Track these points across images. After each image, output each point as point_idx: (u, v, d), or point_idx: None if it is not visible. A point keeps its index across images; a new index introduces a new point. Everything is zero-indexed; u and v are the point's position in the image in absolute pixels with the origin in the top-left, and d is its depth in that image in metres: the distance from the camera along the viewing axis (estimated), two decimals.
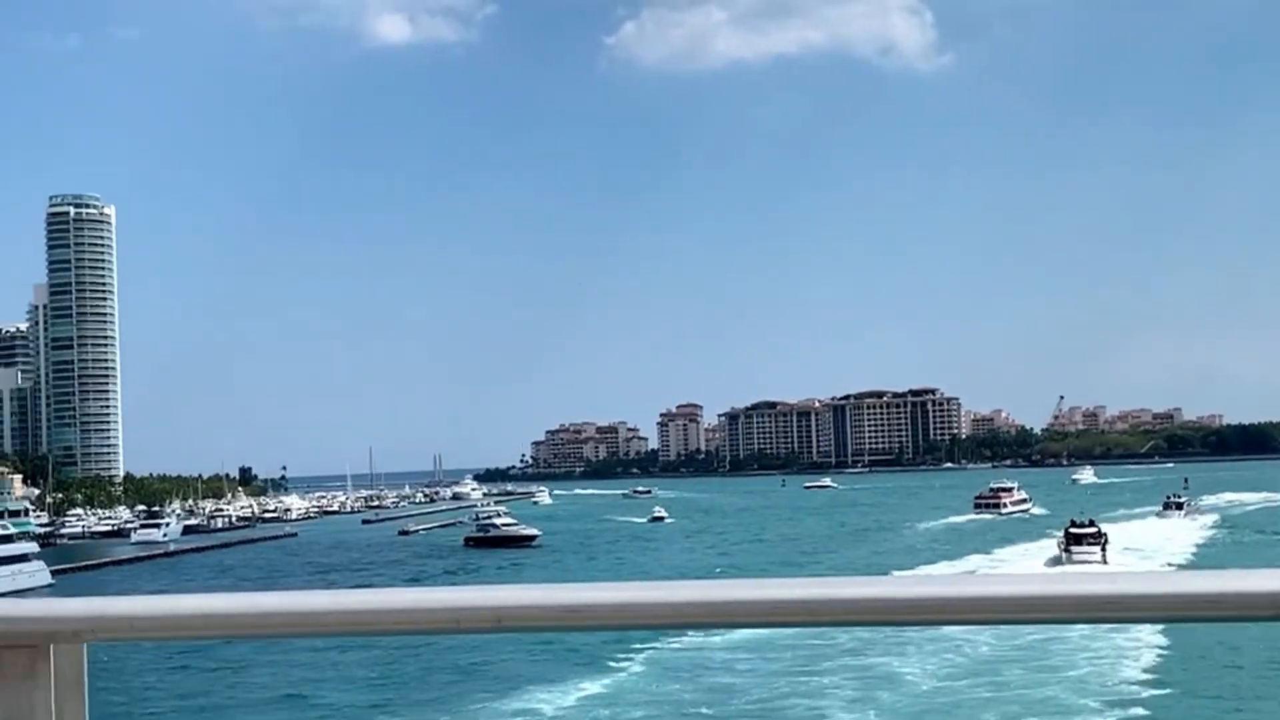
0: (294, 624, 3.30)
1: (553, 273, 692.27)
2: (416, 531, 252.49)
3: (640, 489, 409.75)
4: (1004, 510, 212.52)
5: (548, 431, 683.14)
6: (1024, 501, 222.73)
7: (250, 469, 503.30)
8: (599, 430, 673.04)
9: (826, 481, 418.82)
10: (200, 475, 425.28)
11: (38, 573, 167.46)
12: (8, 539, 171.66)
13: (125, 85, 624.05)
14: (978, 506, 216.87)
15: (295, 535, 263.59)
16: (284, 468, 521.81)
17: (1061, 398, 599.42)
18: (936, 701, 63.95)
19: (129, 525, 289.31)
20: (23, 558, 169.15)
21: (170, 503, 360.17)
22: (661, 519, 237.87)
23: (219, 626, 3.37)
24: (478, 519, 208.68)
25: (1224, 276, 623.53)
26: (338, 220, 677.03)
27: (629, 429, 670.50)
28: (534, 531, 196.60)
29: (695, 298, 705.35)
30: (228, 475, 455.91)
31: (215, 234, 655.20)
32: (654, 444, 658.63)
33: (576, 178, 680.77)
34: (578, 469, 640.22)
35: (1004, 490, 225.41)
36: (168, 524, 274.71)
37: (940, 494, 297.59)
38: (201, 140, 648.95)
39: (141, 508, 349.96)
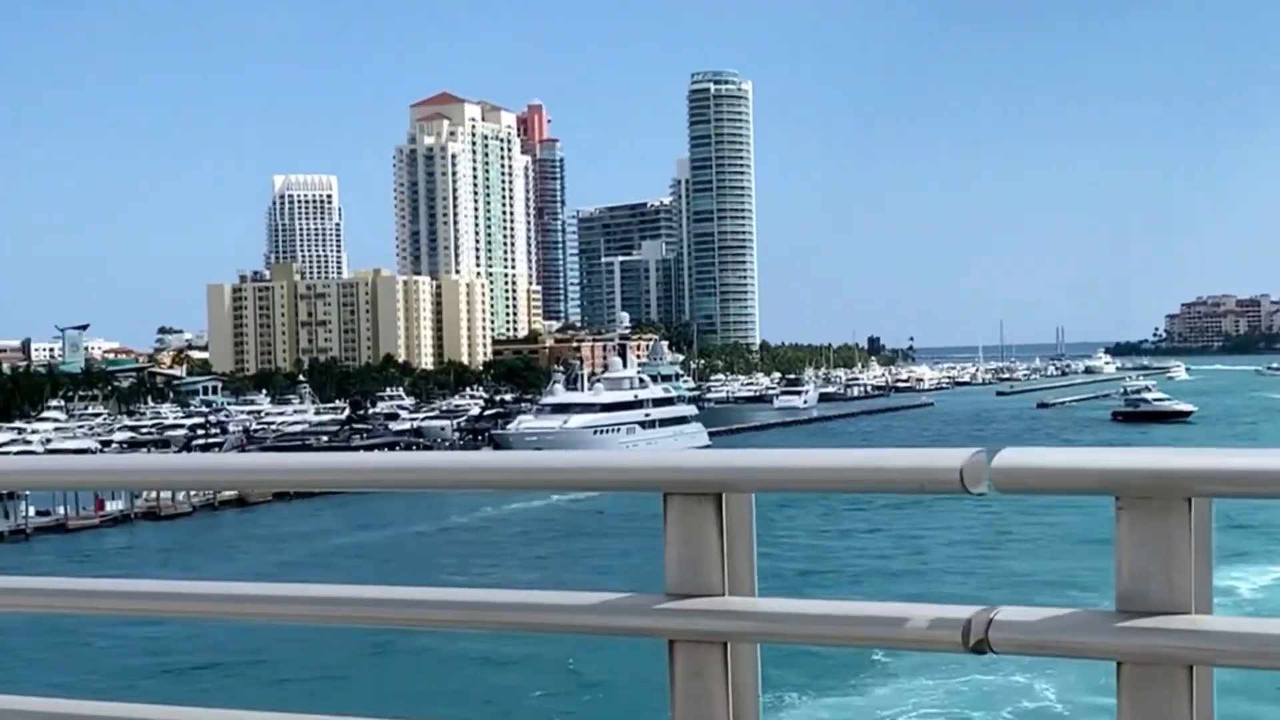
0: None
1: (1190, 138, 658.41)
2: (1055, 404, 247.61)
3: (1275, 366, 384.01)
4: None
5: (1183, 305, 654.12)
6: None
7: (878, 339, 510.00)
8: (1239, 304, 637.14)
9: None
10: (829, 345, 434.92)
11: (697, 435, 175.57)
12: (669, 402, 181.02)
13: None
14: None
15: (931, 405, 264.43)
16: (911, 339, 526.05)
17: None
18: None
19: (770, 391, 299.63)
20: (683, 420, 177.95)
21: (804, 371, 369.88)
22: None
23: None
24: (1126, 393, 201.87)
25: None
26: (966, 91, 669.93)
27: (1273, 302, 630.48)
28: (1188, 407, 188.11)
29: None
30: (857, 345, 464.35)
31: (843, 106, 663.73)
32: None
33: (1220, 35, 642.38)
34: (1215, 344, 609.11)
35: None
36: (806, 391, 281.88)
37: None
38: (829, 14, 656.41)
39: (777, 375, 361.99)
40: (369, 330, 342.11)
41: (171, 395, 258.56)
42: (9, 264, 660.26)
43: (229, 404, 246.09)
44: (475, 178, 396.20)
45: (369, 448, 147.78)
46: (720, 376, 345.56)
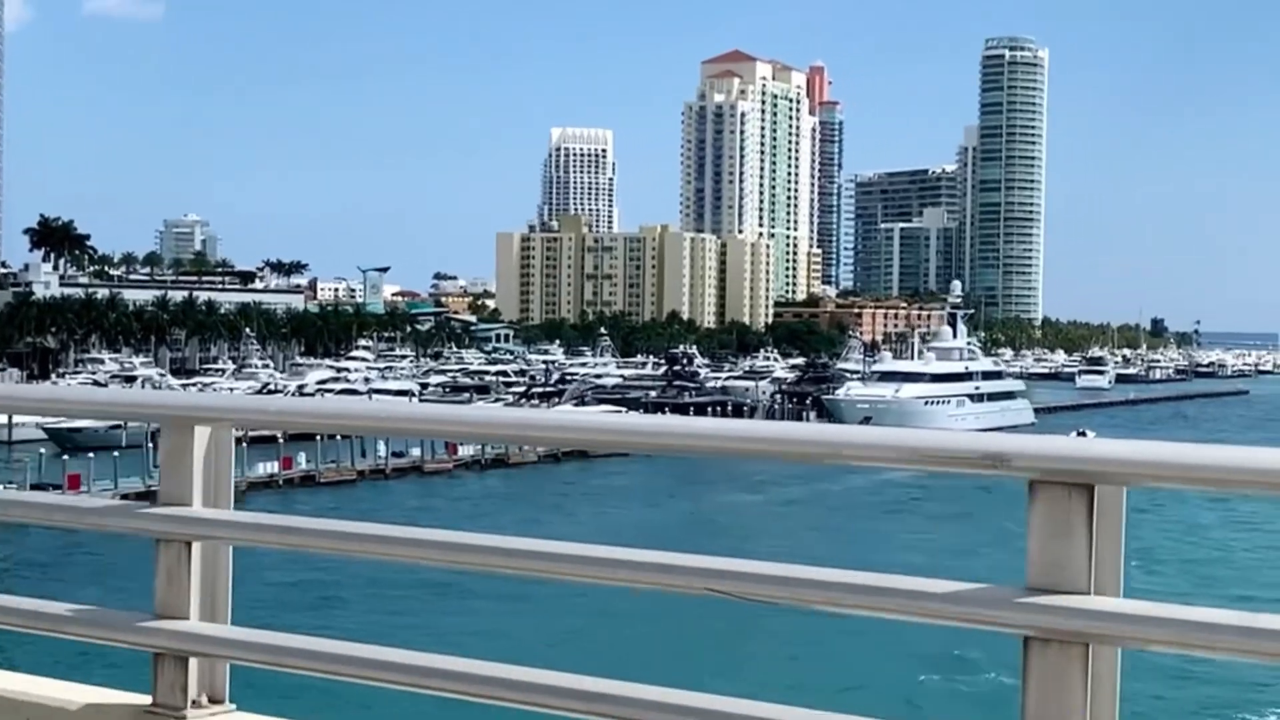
0: None
1: None
2: None
3: None
4: None
5: None
6: None
7: (1162, 320, 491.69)
8: None
9: None
10: (1108, 324, 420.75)
11: (1023, 412, 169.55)
12: (998, 375, 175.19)
13: None
14: None
15: (1247, 393, 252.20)
16: (1198, 321, 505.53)
17: None
18: None
19: (1066, 369, 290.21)
20: (1010, 395, 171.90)
21: (1088, 349, 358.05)
22: None
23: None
24: None
25: None
26: (1269, 57, 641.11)
27: None
28: None
29: None
30: (1139, 326, 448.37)
31: (1138, 73, 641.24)
32: None
33: None
34: None
35: None
36: (1107, 371, 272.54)
37: None
38: None
39: (1061, 352, 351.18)
40: (653, 286, 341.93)
41: (467, 340, 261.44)
42: (295, 203, 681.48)
43: (523, 352, 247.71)
44: (763, 137, 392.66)
45: (699, 406, 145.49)
46: (1005, 351, 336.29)
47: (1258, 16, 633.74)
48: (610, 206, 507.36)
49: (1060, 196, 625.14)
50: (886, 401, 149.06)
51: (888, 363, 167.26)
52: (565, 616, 54.13)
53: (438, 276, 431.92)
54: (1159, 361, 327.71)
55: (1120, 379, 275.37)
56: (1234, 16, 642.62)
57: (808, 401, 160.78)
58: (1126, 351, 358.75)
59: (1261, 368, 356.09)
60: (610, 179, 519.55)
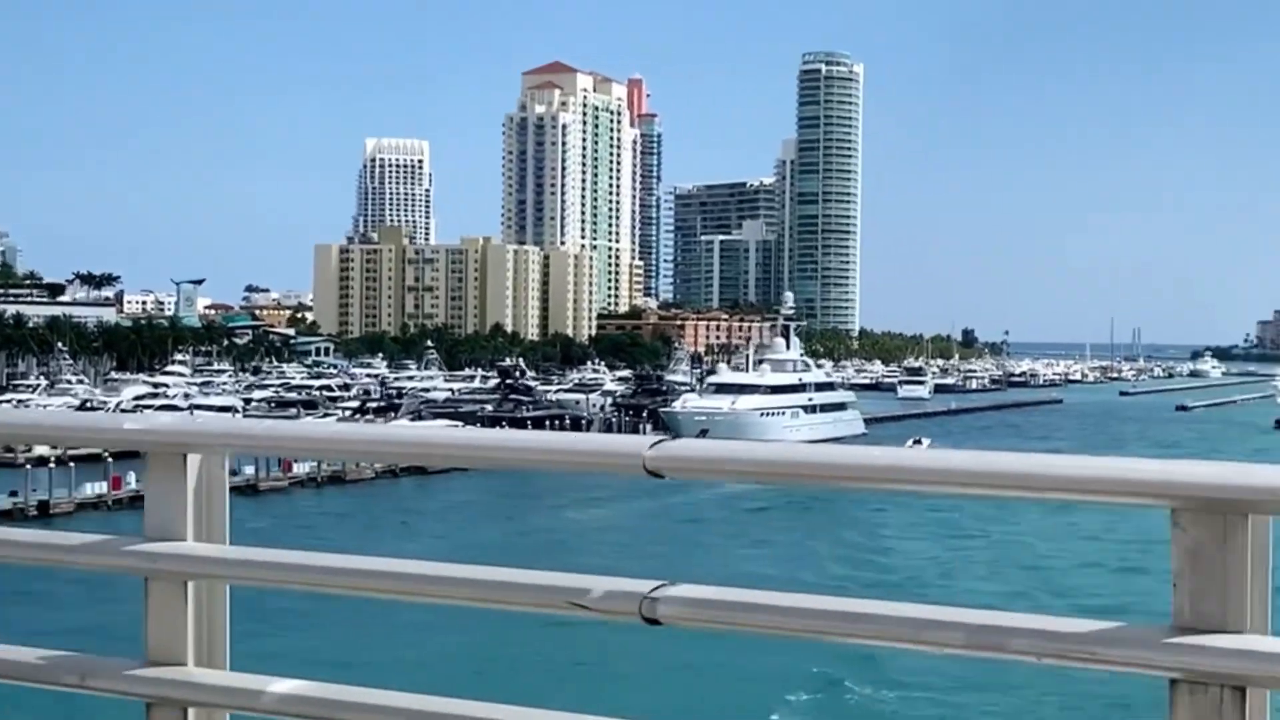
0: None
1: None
2: (1194, 408, 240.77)
3: None
4: None
5: (1276, 311, 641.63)
6: None
7: (972, 331, 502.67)
8: None
9: None
10: (921, 335, 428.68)
11: (854, 422, 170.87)
12: (830, 386, 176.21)
13: None
14: None
15: (1060, 402, 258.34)
16: (1006, 332, 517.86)
17: None
18: None
19: (886, 379, 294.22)
20: (842, 406, 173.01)
21: (904, 360, 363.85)
22: None
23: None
24: None
25: None
26: (1072, 79, 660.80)
27: None
28: None
29: None
30: (950, 337, 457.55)
31: (948, 92, 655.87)
32: None
33: None
34: None
35: None
36: (926, 381, 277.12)
37: None
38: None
39: (879, 362, 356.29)
40: (476, 298, 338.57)
41: (287, 355, 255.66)
42: (103, 214, 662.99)
43: (346, 366, 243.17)
44: (584, 149, 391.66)
45: (537, 420, 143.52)
46: (825, 362, 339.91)
47: (1058, 33, 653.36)
48: (428, 218, 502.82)
49: (875, 209, 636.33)
50: (723, 413, 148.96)
51: (724, 375, 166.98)
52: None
53: (250, 289, 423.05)
54: (975, 371, 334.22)
55: (939, 389, 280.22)
56: (1037, 33, 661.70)
57: (644, 414, 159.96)
58: (940, 362, 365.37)
59: (1070, 377, 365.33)
60: (427, 190, 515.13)
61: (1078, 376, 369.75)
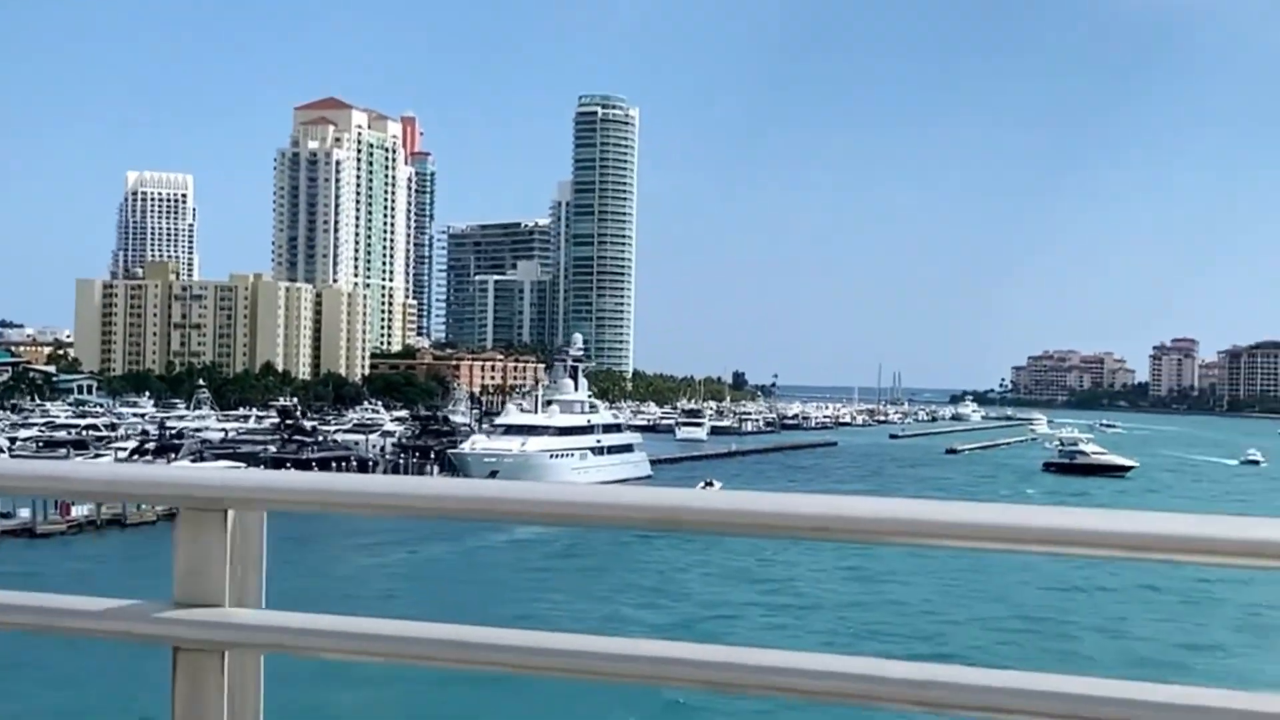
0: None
1: (1037, 197, 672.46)
2: (964, 450, 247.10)
3: (1106, 422, 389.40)
4: None
5: (1030, 358, 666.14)
6: None
7: (743, 374, 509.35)
8: (1083, 359, 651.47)
9: None
10: (692, 376, 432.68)
11: (641, 464, 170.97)
12: (617, 428, 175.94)
13: None
14: None
15: (835, 444, 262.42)
16: (775, 375, 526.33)
17: None
18: None
19: (663, 421, 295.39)
20: (629, 447, 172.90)
21: (677, 401, 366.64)
22: (1256, 462, 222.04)
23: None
24: (1061, 445, 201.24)
25: None
26: (834, 128, 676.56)
27: (1115, 360, 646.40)
28: (1129, 462, 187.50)
29: (1188, 229, 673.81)
30: (721, 379, 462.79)
31: (715, 139, 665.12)
32: (1142, 377, 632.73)
33: (1071, 96, 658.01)
34: (1060, 397, 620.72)
35: None
36: (704, 423, 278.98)
37: None
38: (706, 46, 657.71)
39: (652, 404, 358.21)
40: (246, 336, 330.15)
41: (48, 392, 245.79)
42: None
43: (111, 405, 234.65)
44: (359, 186, 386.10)
45: (322, 461, 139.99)
46: (600, 403, 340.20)
47: (831, 86, 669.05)
48: (191, 253, 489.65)
49: (650, 252, 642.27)
50: (513, 455, 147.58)
51: (512, 415, 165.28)
52: None
53: (3, 325, 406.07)
54: (750, 414, 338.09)
55: (715, 431, 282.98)
56: (805, 85, 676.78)
57: (431, 455, 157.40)
58: (714, 404, 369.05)
59: (841, 419, 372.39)
60: (191, 225, 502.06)
61: (847, 419, 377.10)
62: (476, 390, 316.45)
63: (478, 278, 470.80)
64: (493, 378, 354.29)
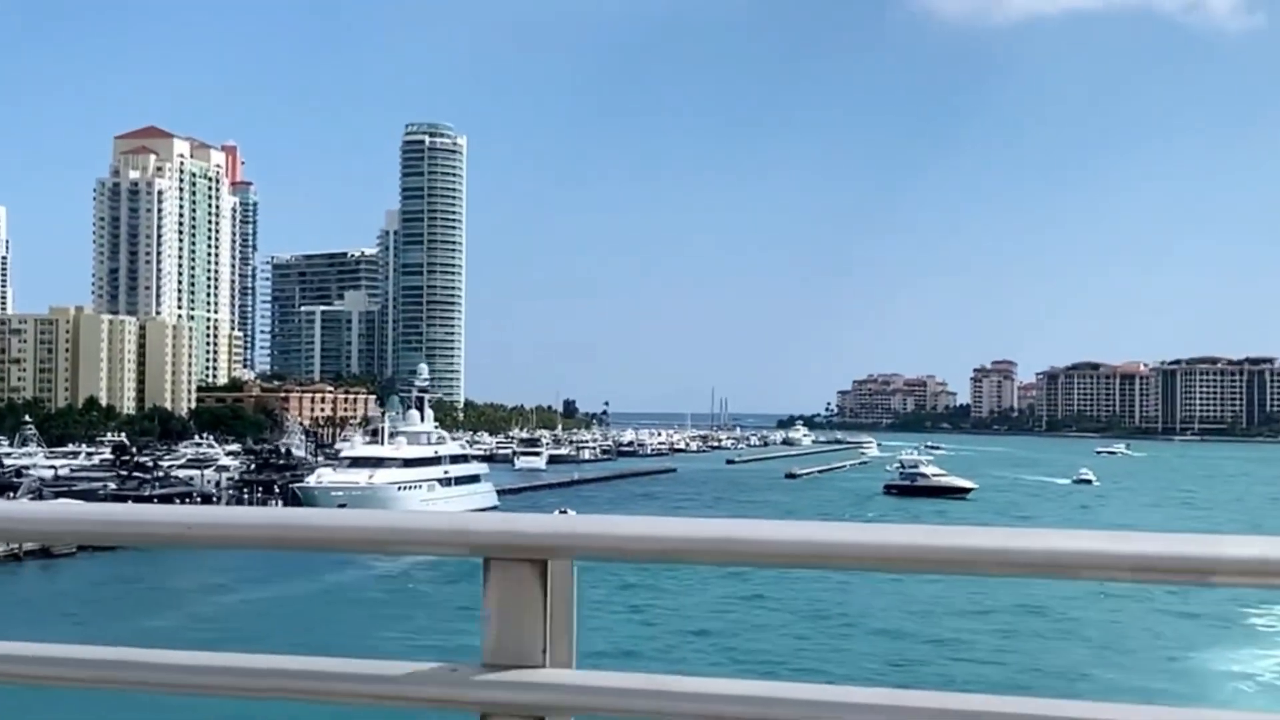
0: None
1: (854, 223, 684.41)
2: (804, 475, 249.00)
3: (931, 444, 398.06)
4: None
5: (854, 381, 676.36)
6: None
7: (573, 402, 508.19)
8: (906, 383, 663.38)
9: (1120, 448, 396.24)
10: (522, 405, 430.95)
11: (487, 495, 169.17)
12: (464, 459, 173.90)
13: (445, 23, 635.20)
14: None
15: (675, 471, 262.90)
16: (606, 403, 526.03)
17: None
18: None
19: (500, 450, 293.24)
20: (475, 478, 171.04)
21: (510, 430, 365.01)
22: (1089, 481, 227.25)
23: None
24: (902, 467, 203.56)
25: None
26: (628, 162, 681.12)
27: (938, 383, 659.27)
28: (969, 484, 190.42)
29: (1008, 255, 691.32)
30: (551, 407, 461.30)
31: (539, 164, 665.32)
32: (964, 399, 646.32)
33: (882, 125, 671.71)
34: (884, 420, 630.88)
35: None
36: (543, 453, 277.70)
37: None
38: (525, 73, 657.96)
39: (485, 434, 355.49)
40: (67, 370, 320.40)
41: None
42: None
43: None
44: (182, 216, 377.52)
45: (164, 498, 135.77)
46: (447, 434, 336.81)
47: (657, 110, 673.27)
48: (4, 286, 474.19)
49: (480, 280, 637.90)
50: (361, 488, 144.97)
51: (358, 448, 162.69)
52: None
53: None
54: (587, 442, 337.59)
55: (553, 459, 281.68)
56: (627, 113, 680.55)
57: (274, 490, 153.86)
58: (547, 432, 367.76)
59: (676, 446, 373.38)
60: (3, 257, 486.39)
61: (682, 445, 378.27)
62: (307, 422, 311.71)
63: (304, 308, 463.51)
64: (323, 409, 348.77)
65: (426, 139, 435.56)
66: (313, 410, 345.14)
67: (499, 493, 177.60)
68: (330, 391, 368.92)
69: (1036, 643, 75.33)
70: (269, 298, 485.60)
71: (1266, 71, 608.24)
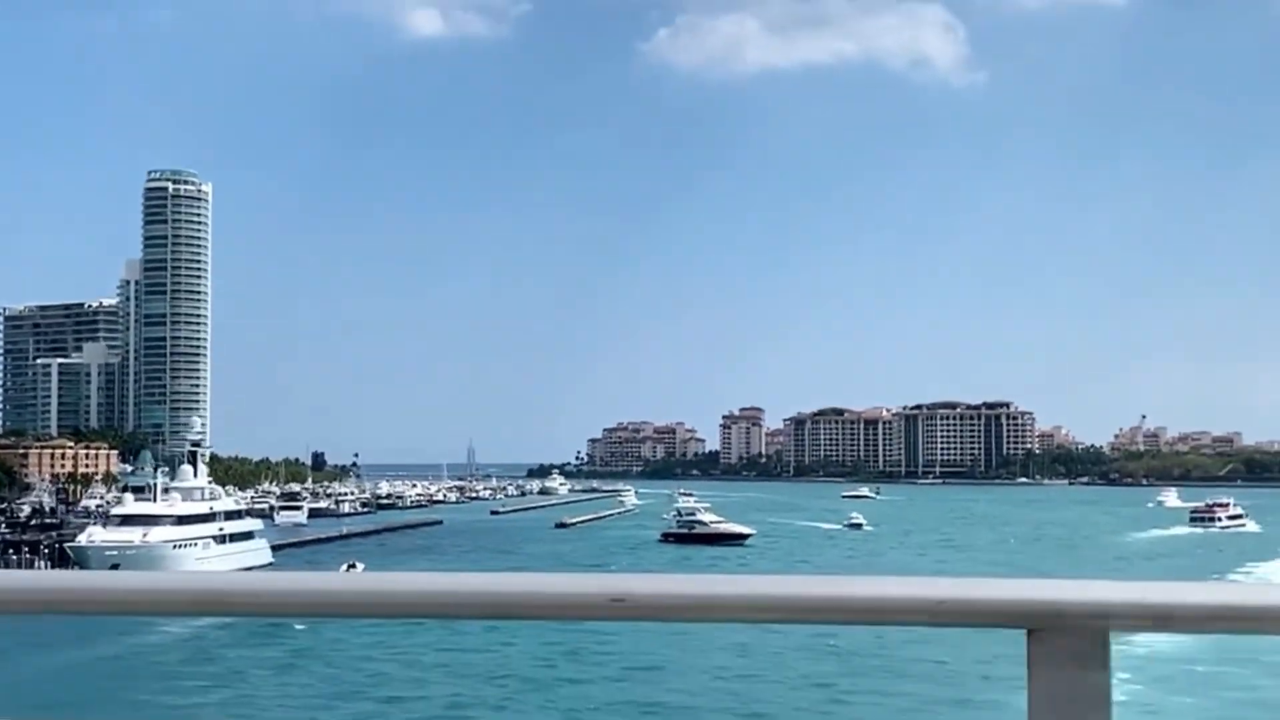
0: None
1: (600, 271, 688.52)
2: (574, 524, 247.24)
3: (684, 491, 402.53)
4: (1219, 525, 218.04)
5: (605, 429, 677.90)
6: (1239, 517, 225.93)
7: (322, 454, 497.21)
8: (656, 430, 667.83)
9: (864, 491, 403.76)
10: (269, 458, 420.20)
11: (262, 551, 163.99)
12: (239, 515, 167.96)
13: (170, 68, 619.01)
14: (1194, 520, 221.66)
15: (441, 523, 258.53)
16: (356, 455, 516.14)
17: (1144, 417, 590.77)
18: None
19: (257, 505, 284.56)
20: (249, 535, 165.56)
21: (258, 485, 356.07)
22: (859, 525, 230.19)
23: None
24: (679, 514, 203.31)
25: (1244, 300, 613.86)
26: (377, 209, 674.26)
27: (687, 430, 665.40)
28: (747, 530, 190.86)
29: (751, 302, 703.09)
30: (299, 460, 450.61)
31: (263, 221, 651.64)
32: (713, 446, 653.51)
33: (620, 175, 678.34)
34: (635, 468, 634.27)
35: (1219, 505, 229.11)
36: (303, 507, 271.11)
37: (1069, 508, 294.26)
38: (275, 124, 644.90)
39: (234, 489, 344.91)
40: None
41: None
42: None
43: None
44: None
45: None
46: (221, 489, 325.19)
47: (411, 145, 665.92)
48: None
49: (228, 331, 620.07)
50: (135, 547, 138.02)
51: (129, 505, 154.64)
52: None
53: None
54: (346, 495, 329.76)
55: (313, 514, 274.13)
56: (370, 165, 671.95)
57: (42, 550, 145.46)
58: (296, 485, 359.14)
59: (434, 497, 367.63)
60: None
61: (440, 497, 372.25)
62: (47, 479, 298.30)
63: (39, 361, 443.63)
64: (64, 465, 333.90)
65: (170, 186, 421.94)
66: (53, 466, 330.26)
67: (274, 549, 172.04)
68: (70, 447, 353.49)
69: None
70: (0, 351, 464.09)
71: (986, 123, 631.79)
